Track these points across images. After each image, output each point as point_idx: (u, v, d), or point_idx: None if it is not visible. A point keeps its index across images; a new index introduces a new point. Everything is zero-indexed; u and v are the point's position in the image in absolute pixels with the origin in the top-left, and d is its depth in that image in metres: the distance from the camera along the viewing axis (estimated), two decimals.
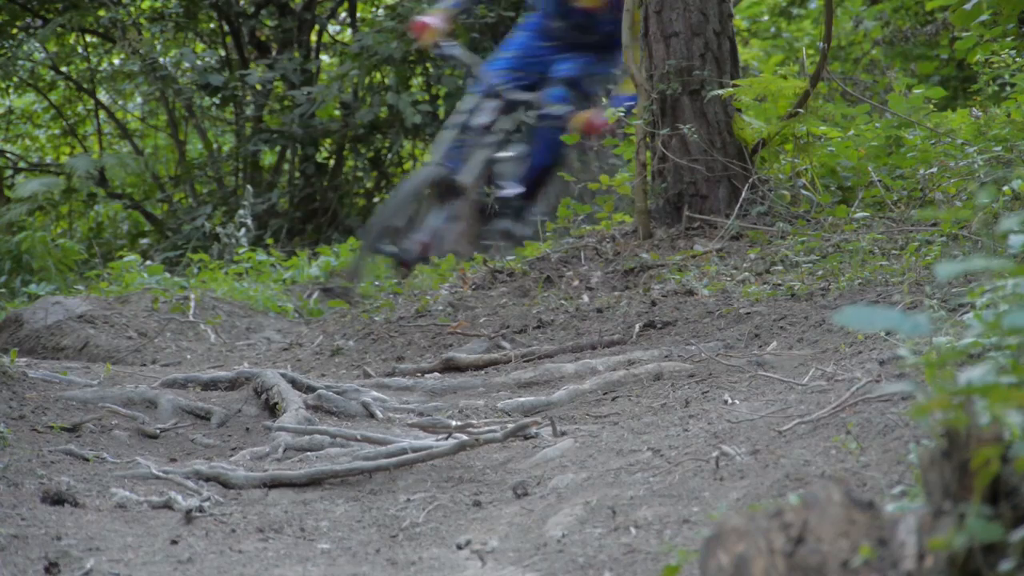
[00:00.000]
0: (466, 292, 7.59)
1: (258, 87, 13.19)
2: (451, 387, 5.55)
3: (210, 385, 5.53)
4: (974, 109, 8.23)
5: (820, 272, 6.40)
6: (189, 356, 7.11)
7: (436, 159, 7.95)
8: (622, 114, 8.59)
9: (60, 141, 14.54)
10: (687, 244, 7.52)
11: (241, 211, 11.16)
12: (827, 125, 7.95)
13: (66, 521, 3.66)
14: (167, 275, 9.49)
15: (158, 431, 4.88)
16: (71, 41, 13.66)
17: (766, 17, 13.85)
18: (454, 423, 4.76)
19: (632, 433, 4.40)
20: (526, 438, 4.54)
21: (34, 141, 14.63)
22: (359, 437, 4.55)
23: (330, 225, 12.94)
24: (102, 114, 14.04)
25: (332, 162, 13.43)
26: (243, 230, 10.92)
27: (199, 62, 13.07)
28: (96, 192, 13.29)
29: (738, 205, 7.52)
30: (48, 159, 14.51)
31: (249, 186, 12.11)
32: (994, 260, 2.10)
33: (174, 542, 3.52)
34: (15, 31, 13.15)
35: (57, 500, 3.85)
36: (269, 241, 11.93)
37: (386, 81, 12.87)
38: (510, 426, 4.58)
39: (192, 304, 8.88)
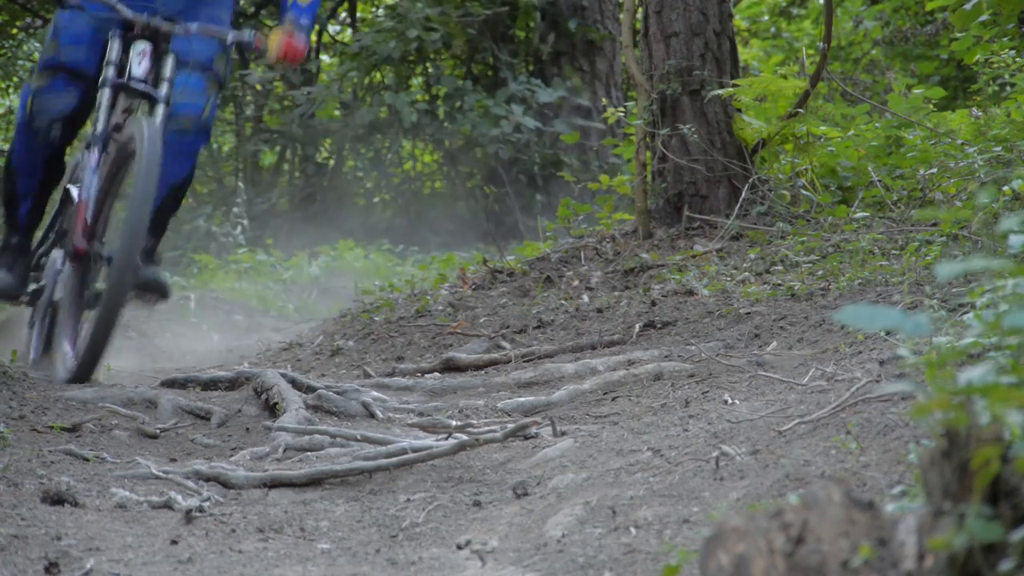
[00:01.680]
0: (466, 292, 7.59)
1: (258, 87, 13.19)
2: (451, 387, 5.55)
3: (210, 385, 5.53)
4: (974, 109, 8.24)
5: (820, 272, 6.40)
6: (189, 356, 7.11)
7: (100, 130, 5.60)
8: (622, 114, 8.59)
9: None
10: (687, 244, 7.52)
11: (236, 209, 11.15)
12: (827, 125, 7.96)
13: (66, 521, 3.66)
14: (167, 275, 9.48)
15: (158, 431, 4.88)
16: None
17: (766, 17, 13.85)
18: (454, 423, 4.76)
19: (632, 433, 4.40)
20: (526, 438, 4.54)
21: None
22: (359, 437, 4.55)
23: (330, 225, 12.94)
24: None
25: (332, 162, 13.43)
26: (239, 228, 10.91)
27: None
28: None
29: (738, 205, 7.52)
30: None
31: (241, 183, 12.11)
32: (994, 260, 2.10)
33: (174, 542, 3.53)
34: (15, 31, 13.14)
35: (57, 500, 3.85)
36: (269, 241, 11.93)
37: (385, 81, 12.87)
38: (510, 426, 4.58)
39: (192, 304, 8.88)
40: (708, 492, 3.54)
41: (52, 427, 4.77)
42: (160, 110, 5.52)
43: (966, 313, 4.62)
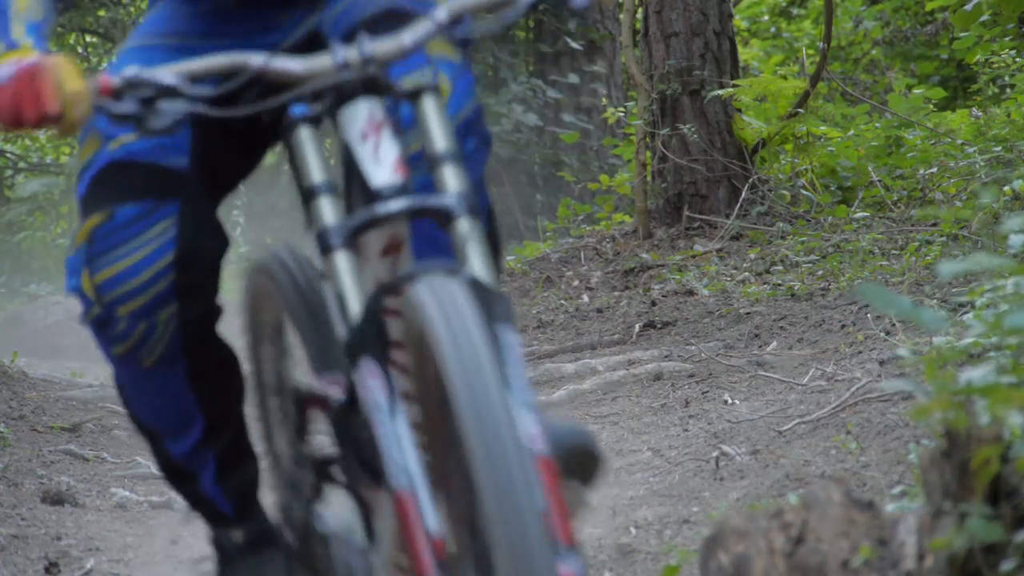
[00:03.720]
0: None
1: None
2: None
3: None
4: (974, 109, 8.24)
5: (820, 272, 6.40)
6: None
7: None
8: (622, 114, 8.59)
9: (60, 141, 14.54)
10: (687, 244, 7.52)
11: (235, 210, 11.16)
12: (827, 125, 7.96)
13: (66, 521, 3.66)
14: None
15: None
16: (71, 41, 13.65)
17: (766, 17, 13.85)
18: None
19: (632, 433, 4.40)
20: None
21: (34, 141, 14.63)
22: None
23: None
24: None
25: (333, 162, 13.43)
26: (238, 229, 10.91)
27: None
28: None
29: (738, 205, 7.52)
30: (48, 159, 14.51)
31: (242, 185, 12.10)
32: (995, 259, 2.10)
33: (174, 542, 3.52)
34: None
35: (57, 500, 3.85)
36: (268, 241, 11.93)
37: None
38: None
39: None
40: (708, 492, 3.54)
41: (52, 427, 4.77)
42: (463, 226, 2.12)
43: (966, 313, 4.62)
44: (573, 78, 12.45)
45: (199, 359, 2.54)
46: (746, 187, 7.56)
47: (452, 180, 2.10)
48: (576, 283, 7.41)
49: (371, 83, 2.11)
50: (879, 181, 7.51)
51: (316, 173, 2.16)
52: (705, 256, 7.24)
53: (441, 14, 2.15)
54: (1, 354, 5.87)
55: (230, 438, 2.59)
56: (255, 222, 12.56)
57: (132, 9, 13.09)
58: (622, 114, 8.60)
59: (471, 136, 2.43)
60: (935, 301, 5.06)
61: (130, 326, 2.44)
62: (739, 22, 13.45)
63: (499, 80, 12.59)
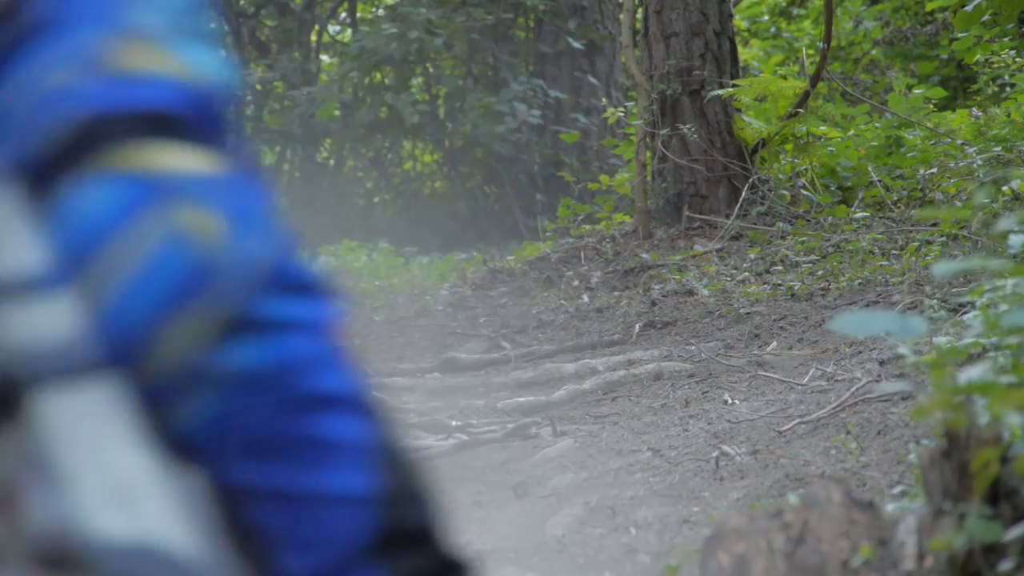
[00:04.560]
0: (466, 292, 7.59)
1: (258, 87, 13.20)
2: (451, 387, 5.55)
3: None
4: (974, 109, 8.24)
5: (820, 272, 6.41)
6: None
7: None
8: (622, 114, 8.59)
9: None
10: (687, 244, 7.52)
11: None
12: (827, 125, 7.96)
13: None
14: None
15: None
16: None
17: (766, 17, 13.85)
18: (454, 423, 4.76)
19: (632, 433, 4.40)
20: (526, 438, 4.55)
21: None
22: None
23: (330, 225, 12.94)
24: None
25: (332, 162, 13.44)
26: None
27: None
28: None
29: (738, 205, 7.52)
30: None
31: None
32: (992, 259, 2.10)
33: None
34: None
35: None
36: None
37: (386, 81, 12.87)
38: (510, 426, 4.58)
39: None
40: (708, 492, 3.54)
41: None
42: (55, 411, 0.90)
43: (966, 313, 4.62)
44: (574, 80, 12.45)
45: None
46: (746, 187, 7.57)
47: (47, 318, 0.92)
48: (576, 283, 7.41)
49: None
50: (879, 181, 7.52)
51: None
52: (705, 256, 7.25)
53: None
54: None
55: None
56: None
57: None
58: (622, 114, 8.61)
59: (293, 294, 1.03)
60: (935, 301, 5.07)
61: None
62: (739, 22, 13.46)
63: (499, 80, 12.59)
